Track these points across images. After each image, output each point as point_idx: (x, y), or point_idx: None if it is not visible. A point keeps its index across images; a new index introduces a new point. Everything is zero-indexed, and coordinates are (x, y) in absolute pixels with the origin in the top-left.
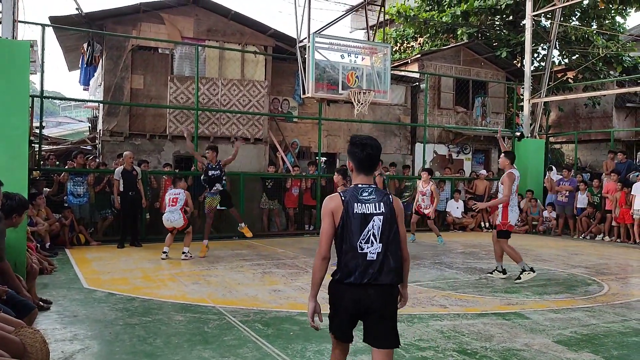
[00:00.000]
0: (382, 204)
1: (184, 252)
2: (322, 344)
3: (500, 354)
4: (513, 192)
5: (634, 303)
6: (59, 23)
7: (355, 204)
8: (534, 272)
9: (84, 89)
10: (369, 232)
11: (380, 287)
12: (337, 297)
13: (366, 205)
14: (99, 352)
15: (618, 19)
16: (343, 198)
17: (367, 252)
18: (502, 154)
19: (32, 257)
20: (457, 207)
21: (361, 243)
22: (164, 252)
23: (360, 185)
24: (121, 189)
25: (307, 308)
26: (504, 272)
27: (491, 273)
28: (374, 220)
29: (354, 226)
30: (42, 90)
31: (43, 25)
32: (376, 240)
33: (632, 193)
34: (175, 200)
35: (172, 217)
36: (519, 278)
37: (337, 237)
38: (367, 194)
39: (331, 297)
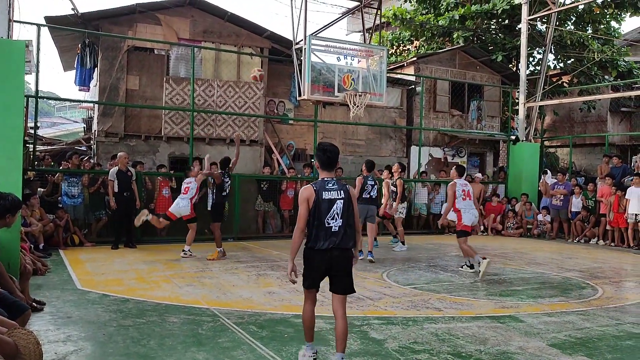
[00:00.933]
0: (342, 191)
1: (183, 250)
2: (317, 346)
3: (495, 357)
4: (460, 197)
5: (628, 307)
6: (54, 23)
7: (324, 192)
8: (485, 259)
9: (80, 90)
10: (334, 212)
11: (342, 250)
12: (311, 259)
13: (331, 192)
14: (92, 353)
15: (613, 23)
16: (315, 188)
17: (332, 226)
18: (454, 167)
19: (25, 258)
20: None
21: (328, 220)
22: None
23: (326, 179)
24: (116, 189)
25: (287, 267)
26: (471, 266)
27: (461, 267)
28: (337, 203)
29: (323, 208)
30: (37, 91)
31: (38, 25)
32: (339, 217)
33: (626, 197)
34: (186, 189)
35: (181, 203)
36: (471, 267)
37: (310, 216)
38: (331, 185)
39: (306, 259)
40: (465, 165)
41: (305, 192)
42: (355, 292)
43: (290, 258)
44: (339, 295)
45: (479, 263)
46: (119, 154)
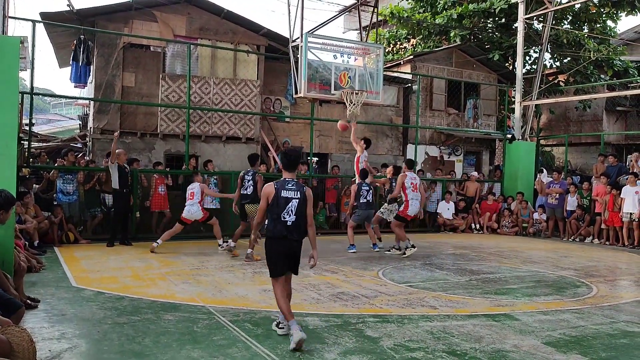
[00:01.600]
0: (298, 192)
1: (220, 245)
2: (312, 344)
3: (490, 355)
4: (410, 189)
5: (622, 305)
6: (50, 19)
7: (283, 190)
8: (414, 247)
9: (75, 87)
10: (289, 208)
11: (295, 240)
12: (271, 247)
13: (289, 192)
14: (87, 351)
15: (609, 23)
16: (276, 187)
17: (287, 220)
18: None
19: (20, 255)
20: (448, 209)
21: (284, 215)
22: (220, 245)
23: (287, 179)
24: (116, 186)
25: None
26: (399, 249)
27: (389, 250)
28: (292, 202)
29: (281, 204)
30: (32, 87)
31: (34, 22)
32: (292, 214)
33: (621, 196)
34: (192, 194)
35: (192, 209)
36: (404, 253)
37: (268, 211)
38: (290, 185)
39: (267, 249)
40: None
41: (267, 189)
42: (297, 274)
43: (253, 232)
44: (290, 275)
45: (407, 248)
46: (117, 151)
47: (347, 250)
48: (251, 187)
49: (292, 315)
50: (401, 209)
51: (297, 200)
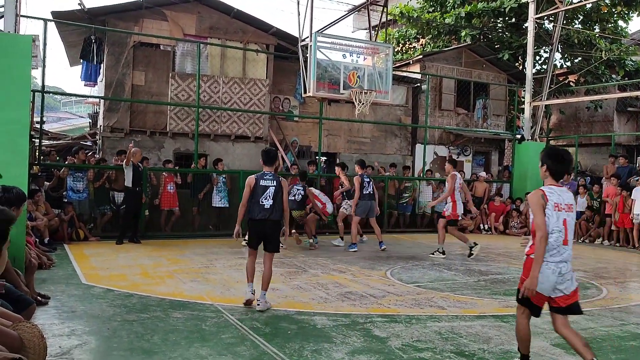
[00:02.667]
0: (275, 181)
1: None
2: (320, 343)
3: (498, 356)
4: (457, 189)
5: (633, 307)
6: (61, 18)
7: (261, 180)
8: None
9: (85, 85)
10: (267, 194)
11: (272, 221)
12: (251, 227)
13: (266, 181)
14: (97, 347)
15: (620, 22)
16: (256, 178)
17: (264, 204)
18: (447, 161)
19: (30, 252)
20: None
21: (262, 199)
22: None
23: (265, 172)
24: (129, 184)
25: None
26: (443, 252)
27: (432, 254)
28: (269, 189)
29: (260, 191)
30: (43, 85)
31: (45, 20)
32: (270, 199)
33: (632, 197)
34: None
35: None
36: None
37: (250, 197)
38: (267, 176)
39: (249, 228)
40: (471, 162)
41: (249, 179)
42: (279, 252)
43: (238, 222)
44: (268, 253)
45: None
46: (133, 149)
47: (347, 249)
48: (300, 195)
49: (252, 279)
50: (448, 212)
51: (274, 188)
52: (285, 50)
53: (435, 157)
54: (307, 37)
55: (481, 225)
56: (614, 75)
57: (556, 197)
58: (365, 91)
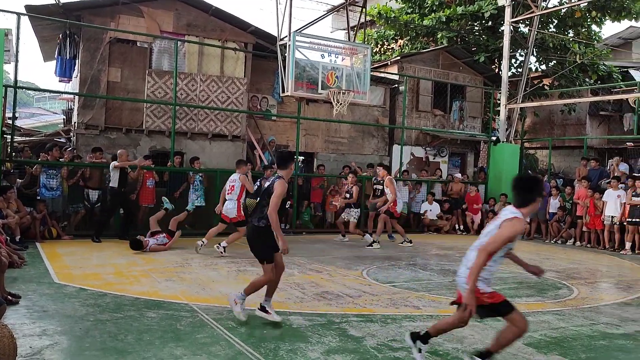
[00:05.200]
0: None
1: (218, 244)
2: (296, 342)
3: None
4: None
5: (602, 307)
6: (35, 12)
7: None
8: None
9: (60, 81)
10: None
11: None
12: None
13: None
14: (69, 348)
15: (594, 27)
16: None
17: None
18: (381, 167)
19: (1, 250)
20: (431, 210)
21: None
22: (218, 246)
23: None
24: (115, 185)
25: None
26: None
27: (371, 245)
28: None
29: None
30: (15, 80)
31: (18, 14)
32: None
33: (603, 199)
34: (232, 188)
35: (228, 205)
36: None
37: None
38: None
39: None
40: (447, 163)
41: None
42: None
43: (280, 236)
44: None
45: (219, 246)
46: (119, 151)
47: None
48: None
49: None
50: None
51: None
52: (263, 49)
53: (412, 157)
54: (286, 36)
55: (456, 226)
56: (587, 79)
57: None
58: (344, 91)
